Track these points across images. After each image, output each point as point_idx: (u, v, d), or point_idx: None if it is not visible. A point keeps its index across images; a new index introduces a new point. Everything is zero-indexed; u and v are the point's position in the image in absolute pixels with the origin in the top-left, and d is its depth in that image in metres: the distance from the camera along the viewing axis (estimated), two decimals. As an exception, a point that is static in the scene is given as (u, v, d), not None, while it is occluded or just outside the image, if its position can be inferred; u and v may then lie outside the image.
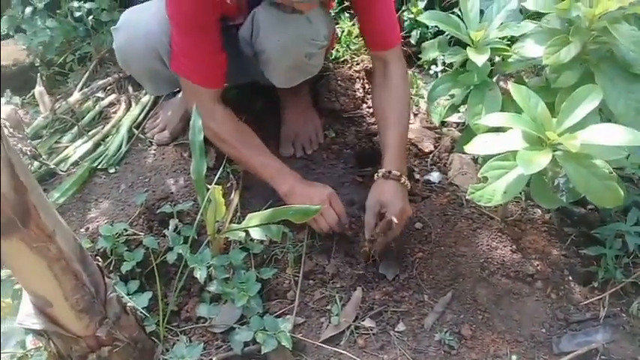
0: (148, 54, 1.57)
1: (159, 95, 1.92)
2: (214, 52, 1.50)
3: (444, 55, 1.37)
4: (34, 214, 0.95)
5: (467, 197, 1.27)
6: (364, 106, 1.99)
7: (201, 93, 1.52)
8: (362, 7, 1.57)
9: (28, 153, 1.53)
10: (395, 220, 1.43)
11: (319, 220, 1.51)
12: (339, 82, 2.02)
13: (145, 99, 1.97)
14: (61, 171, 1.71)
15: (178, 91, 1.96)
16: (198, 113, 1.40)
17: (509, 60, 1.33)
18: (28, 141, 1.56)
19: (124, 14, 1.61)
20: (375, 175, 1.54)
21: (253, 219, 1.43)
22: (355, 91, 2.02)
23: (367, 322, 1.45)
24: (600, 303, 1.47)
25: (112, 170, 1.77)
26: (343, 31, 2.15)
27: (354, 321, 1.44)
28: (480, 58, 1.24)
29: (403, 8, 2.19)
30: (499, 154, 1.18)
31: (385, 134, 1.57)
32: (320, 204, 1.46)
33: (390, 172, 1.50)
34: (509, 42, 1.37)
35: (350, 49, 2.12)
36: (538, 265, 1.52)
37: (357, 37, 2.12)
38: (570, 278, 1.52)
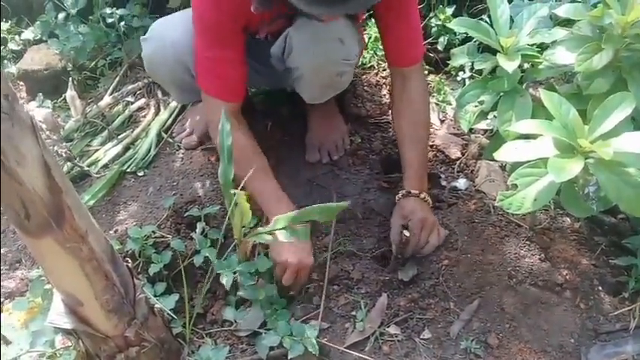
0: (175, 65, 1.60)
1: (185, 103, 1.95)
2: (236, 65, 1.51)
3: (473, 62, 1.36)
4: (68, 215, 0.97)
5: (496, 204, 1.25)
6: (390, 112, 1.99)
7: (219, 105, 1.48)
8: (385, 24, 1.56)
9: (63, 155, 1.56)
10: (406, 233, 1.50)
11: (280, 271, 1.48)
12: (365, 88, 2.02)
13: (174, 104, 1.99)
14: (94, 174, 1.74)
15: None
16: (226, 119, 1.41)
17: (540, 67, 1.32)
18: (64, 143, 1.60)
19: (153, 25, 1.64)
20: (396, 197, 1.59)
21: (279, 221, 1.43)
22: (381, 97, 2.02)
23: (392, 329, 1.44)
24: (630, 314, 1.44)
25: (140, 173, 1.79)
26: (370, 37, 2.15)
27: (379, 327, 1.44)
28: (510, 65, 1.23)
29: (431, 15, 2.19)
30: (529, 161, 1.17)
31: (404, 153, 1.61)
32: (286, 262, 1.45)
33: (409, 192, 1.56)
34: (539, 49, 1.36)
35: (377, 55, 2.13)
36: (567, 275, 1.50)
37: (383, 43, 2.12)
38: (600, 288, 1.50)
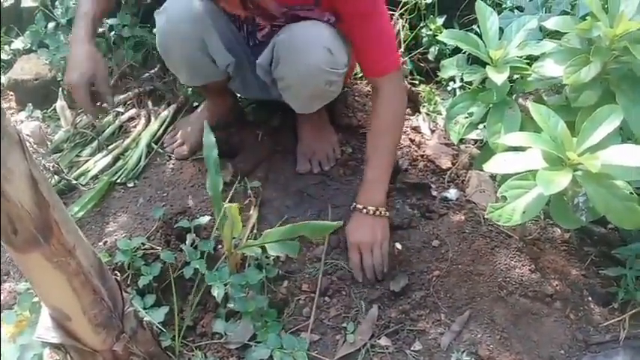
0: (191, 41, 1.56)
1: (193, 86, 1.90)
2: None
3: (462, 73, 1.37)
4: (56, 230, 0.96)
5: (485, 216, 1.26)
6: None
7: None
8: (353, 35, 1.54)
9: (51, 169, 1.55)
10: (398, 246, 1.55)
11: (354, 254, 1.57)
12: (356, 97, 2.02)
13: (164, 114, 1.98)
14: (81, 185, 1.73)
15: (197, 106, 1.99)
16: (209, 131, 1.42)
17: (529, 79, 1.32)
18: (51, 157, 1.58)
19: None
20: (351, 207, 1.62)
21: (270, 235, 1.43)
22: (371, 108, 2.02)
23: (383, 341, 1.44)
24: (620, 324, 1.45)
25: (130, 184, 1.78)
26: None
27: (369, 339, 1.44)
28: (499, 77, 1.24)
29: (421, 24, 2.20)
30: (518, 173, 1.17)
31: (366, 166, 1.62)
32: (70, 83, 1.51)
33: (354, 207, 1.60)
34: (528, 61, 1.37)
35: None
36: (557, 285, 1.50)
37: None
38: (590, 299, 1.51)
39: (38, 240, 0.95)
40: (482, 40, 1.36)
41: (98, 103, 1.57)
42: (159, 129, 1.95)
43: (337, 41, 1.53)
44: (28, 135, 1.62)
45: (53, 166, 1.56)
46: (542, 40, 1.38)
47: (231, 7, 1.46)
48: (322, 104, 1.68)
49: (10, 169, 0.87)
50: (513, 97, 1.38)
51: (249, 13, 1.60)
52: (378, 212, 1.57)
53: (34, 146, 1.57)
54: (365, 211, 1.57)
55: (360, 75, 2.11)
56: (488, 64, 1.32)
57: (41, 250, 0.96)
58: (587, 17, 1.29)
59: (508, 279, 1.51)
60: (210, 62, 1.62)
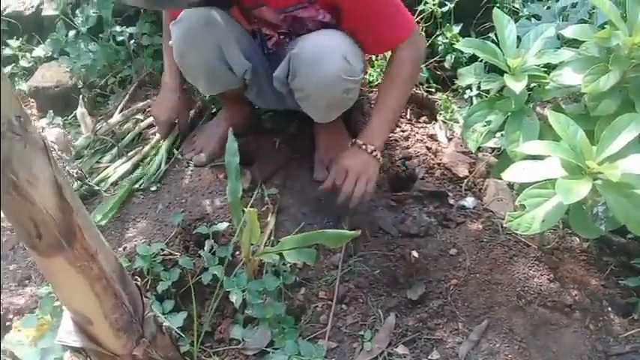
0: (209, 48, 1.58)
1: (211, 94, 1.93)
2: None
3: (480, 82, 1.37)
4: (79, 235, 0.98)
5: (504, 225, 1.25)
6: (397, 129, 2.00)
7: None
8: (359, 19, 1.54)
9: (75, 175, 1.57)
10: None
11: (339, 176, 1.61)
12: (371, 105, 2.03)
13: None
14: (104, 192, 1.75)
15: (214, 113, 2.01)
16: (233, 139, 1.44)
17: (547, 87, 1.32)
18: (75, 163, 1.61)
19: (185, 10, 1.59)
20: (350, 143, 1.63)
21: (288, 242, 1.44)
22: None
23: (400, 349, 1.43)
24: (641, 335, 1.43)
25: (153, 188, 1.80)
26: (377, 55, 2.16)
27: (387, 347, 1.43)
28: (517, 85, 1.24)
29: (438, 33, 2.20)
30: (537, 182, 1.17)
31: (372, 114, 1.66)
32: (158, 119, 1.90)
33: (354, 142, 1.61)
34: (546, 69, 1.37)
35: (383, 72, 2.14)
36: (576, 296, 1.49)
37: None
38: (609, 309, 1.49)
39: (62, 245, 0.96)
40: (499, 48, 1.37)
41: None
42: (178, 136, 1.96)
43: (353, 48, 1.55)
44: (52, 142, 1.64)
45: (77, 172, 1.59)
46: (559, 48, 1.38)
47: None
48: (340, 112, 1.69)
49: (35, 175, 0.89)
50: (531, 105, 1.38)
51: (254, 26, 1.63)
52: (375, 153, 1.59)
53: (59, 152, 1.60)
54: (364, 147, 1.59)
55: (375, 83, 2.12)
56: (506, 72, 1.32)
57: (65, 255, 0.98)
58: (605, 26, 1.29)
59: (527, 288, 1.50)
60: (227, 70, 1.64)
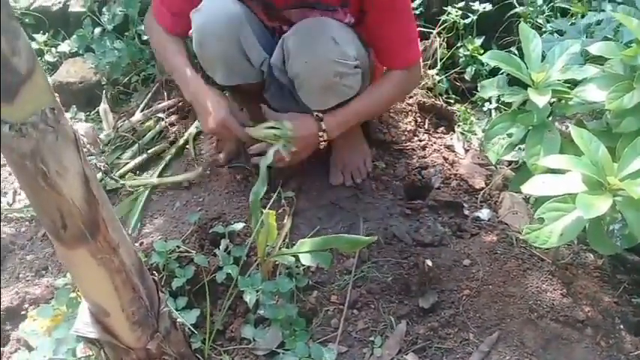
0: (227, 36, 1.59)
1: (228, 85, 1.87)
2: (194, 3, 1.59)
3: (503, 95, 1.38)
4: (103, 227, 0.99)
5: (521, 237, 1.26)
6: (415, 139, 2.01)
7: (163, 32, 1.71)
8: (382, 29, 1.61)
9: (102, 168, 1.60)
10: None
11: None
12: (390, 114, 2.04)
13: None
14: (128, 187, 1.77)
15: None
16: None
17: (570, 103, 1.33)
18: (102, 157, 1.64)
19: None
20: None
21: (304, 245, 1.45)
22: (407, 124, 2.03)
23: (410, 357, 1.44)
24: (652, 355, 1.43)
25: (169, 187, 1.82)
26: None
27: (396, 354, 1.44)
28: (540, 100, 1.25)
29: (459, 44, 2.21)
30: (556, 195, 1.17)
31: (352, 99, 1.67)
32: (212, 128, 1.65)
33: (317, 116, 1.65)
34: (569, 85, 1.37)
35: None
36: (589, 312, 1.49)
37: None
38: (621, 327, 1.48)
39: (86, 236, 0.98)
40: (523, 62, 1.37)
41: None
42: (197, 135, 1.99)
43: (344, 34, 1.57)
44: (82, 135, 1.67)
45: (104, 166, 1.61)
46: (584, 64, 1.38)
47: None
48: (338, 100, 1.66)
49: (65, 167, 0.91)
50: (550, 120, 1.38)
51: (275, 24, 1.64)
52: (320, 125, 1.65)
53: (87, 146, 1.63)
54: (319, 117, 1.65)
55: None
56: (530, 86, 1.33)
57: (87, 247, 1.00)
58: (631, 44, 1.29)
59: (539, 302, 1.50)
60: (245, 60, 1.65)
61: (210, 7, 1.59)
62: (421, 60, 1.77)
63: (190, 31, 1.65)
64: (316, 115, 1.64)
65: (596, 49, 1.26)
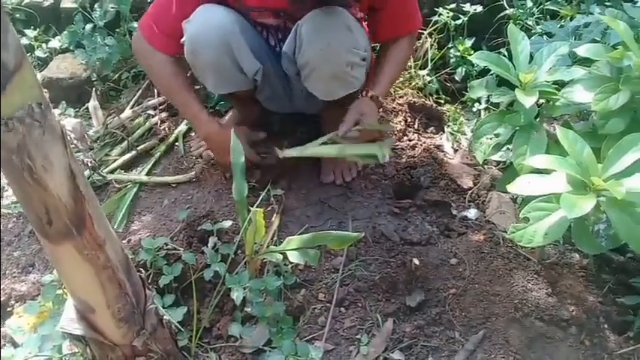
0: (218, 47, 1.59)
1: (219, 93, 1.92)
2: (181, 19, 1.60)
3: (491, 95, 1.39)
4: (89, 223, 1.00)
5: (507, 236, 1.27)
6: (405, 138, 2.02)
7: (155, 53, 1.69)
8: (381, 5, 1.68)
9: (89, 164, 1.60)
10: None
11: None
12: (381, 113, 2.05)
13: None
14: (115, 183, 1.76)
15: (225, 112, 2.03)
16: (237, 139, 1.49)
17: (557, 104, 1.34)
18: (90, 153, 1.63)
19: (199, 8, 1.62)
20: (361, 94, 1.70)
21: (292, 242, 1.45)
22: (397, 124, 2.04)
23: (396, 355, 1.44)
24: (635, 354, 1.43)
25: (157, 184, 1.82)
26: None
27: (383, 352, 1.44)
28: (528, 100, 1.26)
29: (450, 45, 2.22)
30: (542, 195, 1.18)
31: (383, 67, 1.75)
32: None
33: (373, 96, 1.69)
34: (557, 86, 1.38)
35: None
36: (573, 311, 1.50)
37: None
38: (605, 326, 1.50)
39: (71, 232, 0.98)
40: (512, 63, 1.38)
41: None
42: (187, 132, 1.98)
43: (356, 23, 1.59)
44: (69, 131, 1.67)
45: (91, 162, 1.61)
46: (571, 66, 1.39)
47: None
48: (345, 91, 1.66)
49: (51, 162, 0.91)
50: (538, 121, 1.39)
51: (280, 21, 1.64)
52: (381, 102, 1.73)
53: (75, 142, 1.62)
54: (380, 100, 1.70)
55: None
56: (518, 87, 1.34)
57: (73, 242, 1.00)
58: (618, 46, 1.30)
59: (524, 301, 1.51)
60: (237, 70, 1.65)
61: (202, 17, 1.60)
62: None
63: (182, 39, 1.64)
64: (371, 96, 1.68)
65: (583, 50, 1.27)
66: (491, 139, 1.38)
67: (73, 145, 1.61)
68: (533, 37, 1.77)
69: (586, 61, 1.40)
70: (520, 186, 1.18)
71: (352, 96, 1.68)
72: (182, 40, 1.63)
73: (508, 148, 1.41)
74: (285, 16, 1.64)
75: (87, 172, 1.72)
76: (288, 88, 1.75)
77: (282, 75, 1.71)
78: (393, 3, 1.66)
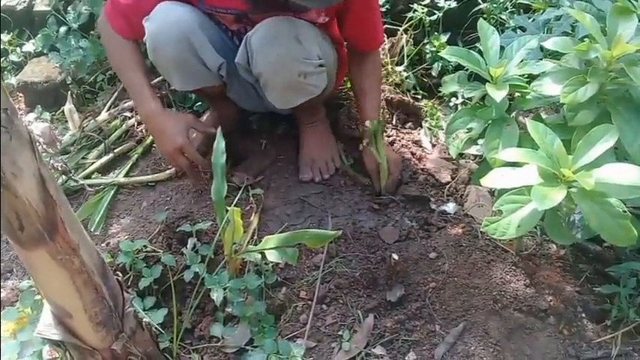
0: (179, 43, 1.59)
1: (185, 90, 1.90)
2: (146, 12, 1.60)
3: (463, 90, 1.40)
4: (61, 228, 0.99)
5: (481, 229, 1.28)
6: (383, 134, 2.02)
7: (117, 38, 1.67)
8: (357, 14, 1.68)
9: (59, 169, 1.59)
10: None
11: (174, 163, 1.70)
12: (358, 110, 2.05)
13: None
14: (88, 187, 1.75)
15: (203, 112, 2.03)
16: (221, 137, 1.45)
17: (528, 97, 1.35)
18: (60, 157, 1.62)
19: (157, 6, 1.61)
20: (361, 145, 1.79)
21: (270, 241, 1.46)
22: (375, 120, 2.05)
23: (378, 350, 1.45)
24: (613, 342, 1.46)
25: (135, 187, 1.81)
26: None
27: (365, 347, 1.45)
28: (498, 94, 1.27)
29: (425, 41, 2.24)
30: (514, 188, 1.20)
31: (364, 101, 1.82)
32: (169, 152, 1.67)
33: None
34: (528, 79, 1.40)
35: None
36: (551, 301, 1.52)
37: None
38: (583, 315, 1.52)
39: (44, 237, 0.98)
40: (483, 58, 1.39)
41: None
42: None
43: (309, 32, 1.58)
44: (38, 135, 1.66)
45: (61, 166, 1.60)
46: (541, 59, 1.41)
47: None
48: (305, 98, 1.66)
49: (20, 168, 0.90)
50: (513, 114, 1.41)
51: (240, 25, 1.65)
52: None
53: (44, 146, 1.61)
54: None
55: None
56: (489, 81, 1.35)
57: (46, 248, 0.99)
58: (585, 39, 1.32)
59: (503, 293, 1.53)
60: (200, 64, 1.65)
61: (161, 15, 1.60)
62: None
63: (144, 37, 1.63)
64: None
65: (551, 44, 1.29)
66: (465, 133, 1.39)
67: (42, 150, 1.59)
68: (505, 32, 1.79)
69: (556, 54, 1.42)
70: (493, 179, 1.20)
71: (318, 98, 1.70)
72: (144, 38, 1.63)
73: (483, 142, 1.42)
74: (247, 21, 1.64)
75: (61, 178, 1.71)
76: (258, 87, 1.75)
77: (247, 83, 1.73)
78: (356, 7, 1.66)
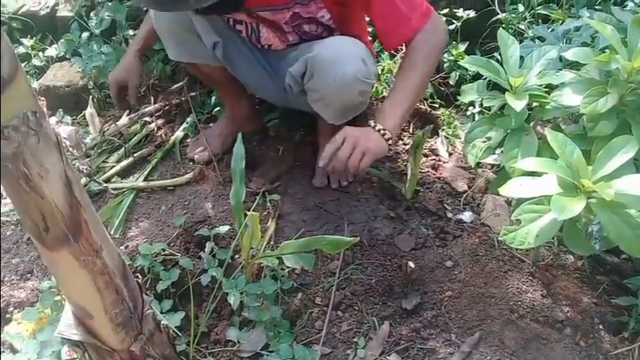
0: (179, 15, 1.64)
1: (180, 60, 1.89)
2: None
3: (482, 99, 1.40)
4: (85, 230, 1.00)
5: (499, 239, 1.28)
6: (400, 142, 2.03)
7: None
8: (373, 10, 1.56)
9: (84, 171, 1.61)
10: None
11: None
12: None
13: (189, 125, 2.04)
14: (112, 190, 1.78)
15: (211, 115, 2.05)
16: (240, 143, 1.47)
17: (547, 107, 1.35)
18: (85, 160, 1.65)
19: None
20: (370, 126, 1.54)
21: (287, 247, 1.47)
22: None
23: (393, 358, 1.45)
24: (630, 354, 1.45)
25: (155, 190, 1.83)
26: (383, 69, 2.20)
27: (379, 355, 1.45)
28: (518, 104, 1.27)
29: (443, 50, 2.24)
30: (533, 197, 1.20)
31: (392, 98, 1.56)
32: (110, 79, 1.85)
33: (369, 125, 1.52)
34: (547, 89, 1.40)
35: (389, 85, 2.18)
36: (568, 312, 1.51)
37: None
38: (600, 327, 1.51)
39: (68, 238, 0.99)
40: (502, 67, 1.40)
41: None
42: (184, 139, 2.00)
43: (368, 52, 1.61)
44: (64, 138, 1.68)
45: (86, 169, 1.63)
46: (561, 70, 1.41)
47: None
48: (354, 114, 1.70)
49: (47, 169, 0.92)
50: (531, 124, 1.41)
51: (252, 21, 1.68)
52: (382, 131, 1.51)
53: (70, 149, 1.64)
54: (372, 125, 1.52)
55: (381, 96, 2.16)
56: (508, 90, 1.35)
57: (70, 249, 1.01)
58: (606, 50, 1.32)
59: (519, 303, 1.52)
60: (196, 39, 1.69)
61: None
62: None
63: None
64: (378, 130, 1.51)
65: (571, 54, 1.29)
66: (483, 142, 1.40)
67: (68, 153, 1.62)
68: (524, 42, 1.79)
69: (576, 65, 1.42)
70: (512, 189, 1.20)
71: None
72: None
73: (501, 151, 1.42)
74: (256, 17, 1.67)
75: (83, 180, 1.73)
76: (272, 74, 1.77)
77: (266, 66, 1.77)
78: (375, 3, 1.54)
